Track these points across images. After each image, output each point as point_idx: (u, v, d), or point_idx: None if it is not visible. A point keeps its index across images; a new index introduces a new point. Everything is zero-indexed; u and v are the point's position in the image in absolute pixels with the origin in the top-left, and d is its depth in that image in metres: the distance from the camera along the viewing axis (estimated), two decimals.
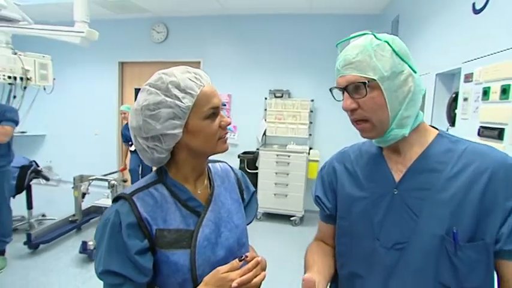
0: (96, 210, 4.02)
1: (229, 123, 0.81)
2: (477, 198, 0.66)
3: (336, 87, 0.76)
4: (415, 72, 0.72)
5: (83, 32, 2.97)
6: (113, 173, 4.26)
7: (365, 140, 0.86)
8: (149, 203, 0.77)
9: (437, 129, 0.79)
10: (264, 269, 0.79)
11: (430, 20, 2.52)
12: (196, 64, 4.78)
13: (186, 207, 0.80)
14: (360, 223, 0.79)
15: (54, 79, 3.50)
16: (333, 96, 0.78)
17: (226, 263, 0.76)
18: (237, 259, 0.76)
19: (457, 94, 1.95)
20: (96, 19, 4.02)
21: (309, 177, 4.23)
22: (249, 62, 4.70)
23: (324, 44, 4.43)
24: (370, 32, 0.73)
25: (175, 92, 0.74)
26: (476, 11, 1.77)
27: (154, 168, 0.87)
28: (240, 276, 0.73)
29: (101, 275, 0.72)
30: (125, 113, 4.25)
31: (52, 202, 4.68)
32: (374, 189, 0.79)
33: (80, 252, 3.01)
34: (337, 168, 0.89)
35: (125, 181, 4.28)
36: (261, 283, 0.77)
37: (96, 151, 5.33)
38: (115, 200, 0.79)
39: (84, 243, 2.99)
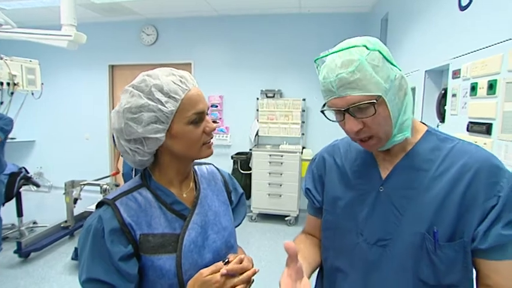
0: (89, 216, 3.97)
1: (214, 129, 0.79)
2: (459, 197, 0.66)
3: (331, 109, 0.69)
4: (400, 70, 0.71)
5: (70, 36, 2.94)
6: (105, 177, 4.21)
7: None
8: (132, 208, 0.75)
9: (426, 125, 0.78)
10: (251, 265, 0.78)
11: (418, 17, 2.54)
12: (187, 66, 4.76)
13: (171, 211, 0.78)
14: (345, 218, 0.80)
15: (42, 84, 3.46)
16: (327, 118, 0.72)
17: None
18: (221, 262, 0.75)
19: (446, 90, 1.97)
20: (85, 22, 3.98)
21: (302, 176, 4.23)
22: (240, 63, 4.70)
23: (314, 43, 4.44)
24: (362, 44, 0.66)
25: (159, 95, 0.72)
26: (462, 8, 1.79)
27: None
28: (226, 277, 0.72)
29: (84, 283, 0.70)
30: None
31: (43, 209, 4.62)
32: (361, 185, 0.79)
33: (73, 258, 2.98)
34: (327, 161, 0.89)
35: (117, 185, 4.23)
36: (251, 278, 0.76)
37: (88, 156, 5.26)
38: (98, 205, 0.77)
39: (77, 250, 2.94)
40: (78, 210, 3.74)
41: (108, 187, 3.45)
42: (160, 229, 0.76)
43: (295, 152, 4.18)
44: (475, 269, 0.68)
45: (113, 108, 4.11)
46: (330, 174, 0.86)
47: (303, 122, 4.51)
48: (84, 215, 3.91)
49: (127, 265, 0.71)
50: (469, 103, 1.66)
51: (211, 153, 0.81)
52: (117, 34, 5.00)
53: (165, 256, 0.74)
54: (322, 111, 0.71)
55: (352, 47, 0.66)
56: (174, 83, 0.73)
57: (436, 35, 2.19)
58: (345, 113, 0.67)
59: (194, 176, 0.88)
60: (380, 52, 0.65)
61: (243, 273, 0.74)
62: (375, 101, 0.64)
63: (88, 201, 3.93)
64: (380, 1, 3.77)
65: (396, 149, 0.75)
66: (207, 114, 0.79)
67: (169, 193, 0.79)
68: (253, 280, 0.77)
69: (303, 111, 4.50)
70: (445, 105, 1.97)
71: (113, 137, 3.36)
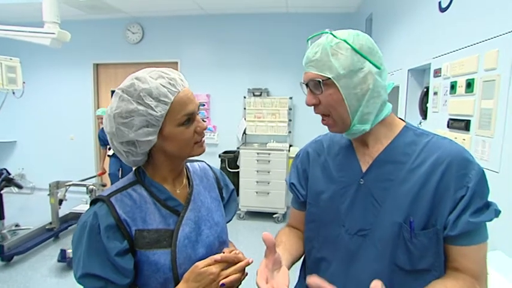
0: (75, 217, 3.89)
1: (205, 128, 0.81)
2: (433, 188, 0.70)
3: (302, 83, 0.81)
4: (378, 68, 0.74)
5: (53, 34, 2.88)
6: (91, 177, 4.15)
7: None
8: (128, 204, 0.76)
9: (404, 121, 0.83)
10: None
11: (401, 17, 2.61)
12: (173, 64, 4.73)
13: (165, 207, 0.80)
14: (327, 210, 0.83)
15: (23, 82, 3.37)
16: (303, 92, 0.82)
17: None
18: (215, 255, 0.77)
19: (427, 88, 2.03)
20: (68, 20, 3.91)
21: None
22: (226, 62, 4.70)
23: (300, 42, 4.44)
24: (328, 31, 0.76)
25: (148, 100, 0.72)
26: (442, 9, 1.86)
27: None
28: (221, 268, 0.75)
29: (80, 279, 0.71)
30: (101, 118, 4.17)
31: (26, 211, 4.51)
32: (342, 178, 0.82)
33: (59, 260, 2.91)
34: (310, 156, 0.92)
35: (103, 185, 4.17)
36: (245, 269, 0.78)
37: (72, 156, 5.16)
38: (92, 202, 0.78)
39: (63, 251, 2.89)
40: (63, 211, 3.67)
41: (94, 187, 3.41)
42: (155, 225, 0.77)
43: (283, 150, 4.22)
44: (445, 254, 0.73)
45: (98, 107, 4.08)
46: (313, 168, 0.90)
47: (289, 120, 4.56)
48: (70, 216, 3.86)
49: (123, 260, 0.72)
50: (449, 101, 1.73)
51: (204, 151, 0.82)
52: (101, 32, 4.92)
53: (160, 251, 0.76)
54: (301, 84, 0.82)
55: (324, 32, 0.77)
56: (163, 86, 0.74)
57: (418, 35, 2.26)
58: (307, 86, 0.78)
59: (187, 173, 0.90)
60: (347, 43, 0.72)
61: (236, 263, 0.77)
62: (321, 79, 0.73)
63: (73, 202, 3.87)
64: (364, 2, 3.85)
65: (375, 143, 0.79)
66: (197, 113, 0.81)
67: (163, 189, 0.81)
68: (246, 273, 0.79)
69: (290, 109, 4.55)
70: (427, 102, 2.03)
71: (99, 136, 3.32)
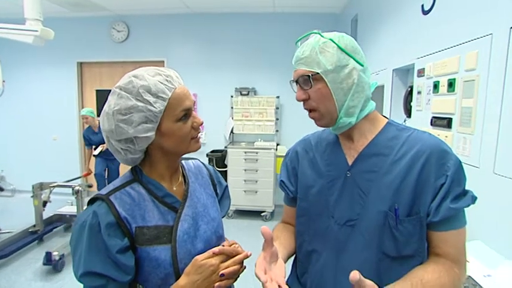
0: (60, 219, 3.82)
1: (201, 124, 0.83)
2: (415, 178, 0.75)
3: (292, 81, 0.85)
4: (362, 65, 0.80)
5: (36, 31, 2.80)
6: (76, 178, 4.06)
7: (325, 128, 0.94)
8: (127, 202, 0.77)
9: (387, 118, 0.88)
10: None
11: (385, 19, 2.69)
12: (160, 63, 4.68)
13: (163, 204, 0.81)
14: (317, 203, 0.87)
15: (3, 81, 3.27)
16: (293, 89, 0.87)
17: None
18: (214, 248, 0.80)
19: (411, 88, 2.11)
20: (51, 17, 3.82)
21: (277, 172, 4.31)
22: (214, 61, 4.69)
23: (287, 42, 4.52)
24: (316, 32, 0.82)
25: (147, 96, 0.74)
26: (425, 12, 1.93)
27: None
28: (220, 261, 0.77)
29: (81, 277, 0.71)
30: (86, 118, 4.06)
31: (8, 214, 4.38)
32: (330, 172, 0.87)
33: (44, 264, 2.84)
34: (299, 154, 0.97)
35: (89, 186, 4.09)
36: (243, 262, 0.81)
37: (56, 157, 5.04)
38: (91, 201, 0.78)
39: (49, 254, 2.82)
40: (47, 213, 3.60)
41: (80, 188, 3.33)
42: (154, 221, 0.79)
43: (270, 149, 4.26)
44: (427, 241, 0.78)
45: (83, 107, 4.01)
46: (302, 165, 0.94)
47: (277, 119, 4.60)
48: (54, 218, 3.77)
49: (124, 257, 0.73)
50: (432, 100, 1.80)
51: (200, 147, 0.85)
52: (86, 30, 4.81)
53: (160, 247, 0.78)
54: (290, 82, 0.87)
55: (313, 33, 0.83)
56: (161, 82, 0.76)
57: (402, 36, 2.33)
58: (296, 83, 0.82)
59: (182, 170, 0.92)
60: (334, 42, 0.78)
61: (235, 256, 0.79)
62: (310, 74, 0.78)
63: (58, 204, 3.78)
64: (350, 3, 3.92)
65: (360, 138, 0.84)
66: (193, 109, 0.83)
67: (161, 187, 0.82)
68: (245, 266, 0.82)
69: (277, 108, 4.59)
70: (411, 101, 2.11)
71: (84, 136, 3.27)
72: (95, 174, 4.29)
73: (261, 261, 0.72)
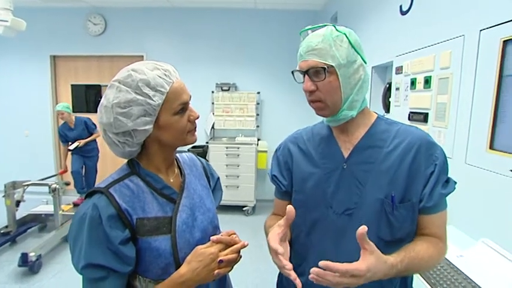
0: (34, 219, 3.67)
1: (198, 117, 0.85)
2: (407, 167, 0.81)
3: (297, 70, 0.85)
4: (365, 63, 0.85)
5: (6, 21, 2.68)
6: (51, 176, 3.91)
7: (316, 122, 0.99)
8: (126, 194, 0.79)
9: (377, 114, 0.94)
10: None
11: (365, 17, 2.79)
12: (139, 58, 4.55)
13: (162, 196, 0.83)
14: (314, 195, 0.90)
15: None
16: (294, 79, 0.88)
17: (203, 244, 0.83)
18: (213, 236, 0.83)
19: (390, 84, 2.22)
20: (22, 7, 3.65)
21: (258, 167, 4.38)
22: (194, 56, 4.65)
23: (268, 38, 4.59)
24: (330, 24, 0.83)
25: (146, 90, 0.75)
26: (403, 12, 2.04)
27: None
28: (219, 249, 0.81)
29: (82, 269, 0.72)
30: (62, 113, 3.90)
31: None
32: (326, 164, 0.90)
33: (20, 265, 2.71)
34: (291, 150, 0.98)
35: (67, 184, 3.95)
36: (240, 251, 0.84)
37: (28, 154, 4.82)
38: (89, 195, 0.79)
39: (25, 255, 2.70)
40: (20, 213, 3.43)
41: (57, 186, 3.22)
42: (154, 213, 0.81)
43: (251, 144, 4.31)
44: (417, 225, 0.86)
45: (57, 102, 3.87)
46: (296, 159, 0.96)
47: (257, 115, 4.65)
48: (28, 219, 3.62)
49: (126, 249, 0.75)
50: (410, 96, 1.91)
51: (196, 140, 0.87)
52: (59, 22, 4.61)
53: (160, 237, 0.80)
54: (292, 72, 0.88)
55: (325, 25, 0.84)
56: (160, 77, 0.77)
57: (381, 35, 2.44)
58: (305, 74, 0.83)
59: (177, 163, 0.94)
60: (347, 37, 0.81)
61: (232, 245, 0.83)
62: (325, 67, 0.79)
63: (31, 204, 3.61)
64: (330, 1, 4.02)
65: (355, 131, 0.89)
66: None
67: (159, 179, 0.84)
68: (241, 256, 0.85)
69: (258, 104, 4.63)
70: (390, 97, 2.22)
71: (59, 133, 3.17)
72: (71, 172, 4.15)
73: (275, 236, 0.75)
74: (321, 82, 0.81)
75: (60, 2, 4.35)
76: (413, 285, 0.93)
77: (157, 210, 0.82)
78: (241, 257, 0.85)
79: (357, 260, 0.68)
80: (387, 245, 0.81)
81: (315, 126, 0.99)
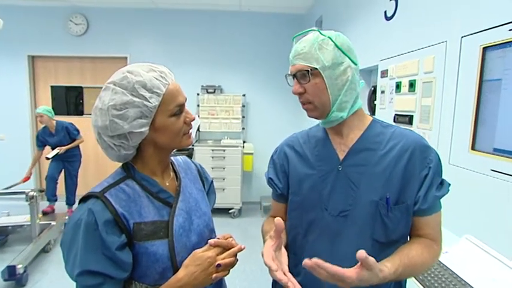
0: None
1: (193, 119, 0.85)
2: (402, 170, 0.83)
3: (289, 74, 0.89)
4: (355, 64, 0.85)
5: None
6: (14, 185, 3.49)
7: (311, 126, 1.01)
8: (123, 199, 0.78)
9: (372, 116, 0.96)
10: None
11: (350, 22, 2.85)
12: (122, 60, 4.50)
13: (158, 200, 0.83)
14: (310, 196, 0.91)
15: None
16: (287, 83, 0.91)
17: (199, 247, 0.83)
18: (210, 240, 0.84)
19: (375, 88, 2.28)
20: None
21: (244, 169, 4.39)
22: (179, 58, 4.61)
23: (254, 41, 4.61)
24: (316, 29, 0.86)
25: (143, 92, 0.75)
26: (388, 18, 2.10)
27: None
28: (217, 253, 0.81)
29: (77, 277, 0.71)
30: (42, 116, 3.73)
31: None
32: (322, 166, 0.91)
33: (6, 279, 2.54)
34: (288, 153, 0.99)
35: (42, 191, 3.76)
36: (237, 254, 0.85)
37: (3, 160, 4.61)
38: (83, 199, 0.77)
39: (12, 268, 2.53)
40: None
41: (35, 194, 3.02)
42: (150, 217, 0.80)
43: (237, 146, 4.31)
44: (411, 226, 0.88)
45: (35, 104, 3.73)
46: (292, 162, 0.98)
47: (243, 117, 4.66)
48: None
49: (123, 254, 0.74)
50: (395, 98, 1.98)
51: (191, 143, 0.87)
52: (38, 21, 4.47)
53: (158, 242, 0.79)
54: (286, 76, 0.91)
55: (311, 30, 0.87)
56: (156, 78, 0.77)
57: (366, 39, 2.50)
58: (294, 77, 0.86)
59: (172, 166, 0.94)
60: (332, 40, 0.83)
61: (230, 249, 0.84)
62: (309, 69, 0.82)
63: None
64: (315, 4, 4.08)
65: (349, 134, 0.90)
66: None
67: (155, 183, 0.84)
68: (237, 259, 0.86)
69: (243, 106, 4.64)
70: (375, 100, 2.28)
71: (38, 137, 3.04)
72: (46, 177, 3.94)
73: (269, 249, 0.76)
74: (307, 84, 0.83)
75: (39, 0, 4.22)
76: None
77: (154, 214, 0.81)
78: (237, 260, 0.86)
79: (353, 261, 0.68)
80: (382, 246, 0.84)
81: (310, 130, 1.01)
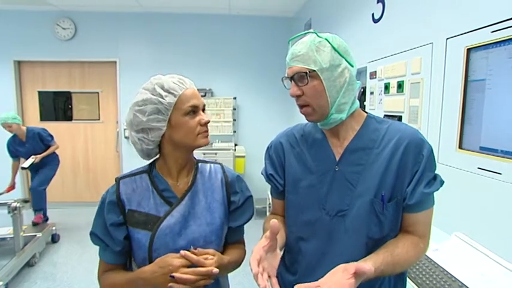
0: None
1: (208, 122, 0.93)
2: (396, 165, 0.82)
3: (286, 77, 0.88)
4: (352, 66, 0.85)
5: None
6: None
7: (306, 122, 0.99)
8: (130, 187, 0.92)
9: (366, 112, 0.95)
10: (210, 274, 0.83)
11: (338, 24, 2.88)
12: (112, 64, 4.47)
13: (160, 196, 0.92)
14: (307, 196, 0.91)
15: None
16: (284, 86, 0.91)
17: None
18: (182, 250, 0.83)
19: (364, 89, 2.31)
20: None
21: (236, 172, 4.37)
22: (169, 62, 4.59)
23: (244, 43, 4.63)
24: (313, 31, 0.86)
25: (159, 91, 0.87)
26: (375, 21, 2.14)
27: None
28: (182, 265, 0.81)
29: (90, 235, 0.92)
30: (10, 126, 3.35)
31: None
32: (319, 167, 0.91)
33: None
34: (284, 146, 0.98)
35: (26, 201, 3.64)
36: (204, 275, 0.82)
37: None
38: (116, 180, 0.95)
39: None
40: None
41: (18, 205, 2.88)
42: (147, 209, 0.91)
43: (229, 149, 4.32)
44: (400, 223, 0.88)
45: (22, 110, 3.71)
46: (289, 158, 0.96)
47: (234, 120, 4.66)
48: None
49: (115, 231, 0.89)
50: (384, 99, 2.01)
51: (208, 143, 0.94)
52: (25, 26, 4.40)
53: (143, 232, 0.89)
54: (282, 79, 0.91)
55: (308, 32, 0.87)
56: (174, 82, 0.89)
57: (354, 41, 2.53)
58: (291, 80, 0.86)
59: (195, 172, 0.97)
60: (329, 42, 0.83)
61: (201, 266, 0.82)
62: (307, 71, 0.82)
63: None
64: (303, 7, 4.12)
65: (346, 134, 0.91)
66: (203, 110, 0.92)
67: (164, 181, 0.94)
68: (211, 281, 0.83)
69: (234, 109, 4.65)
70: (364, 101, 2.31)
71: (8, 147, 3.30)
72: (30, 188, 3.70)
73: (258, 249, 0.73)
74: (305, 86, 0.83)
75: (24, 4, 4.15)
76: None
77: (151, 208, 0.91)
78: (211, 281, 0.84)
79: (347, 259, 0.69)
80: (376, 243, 0.84)
81: (306, 126, 1.00)
